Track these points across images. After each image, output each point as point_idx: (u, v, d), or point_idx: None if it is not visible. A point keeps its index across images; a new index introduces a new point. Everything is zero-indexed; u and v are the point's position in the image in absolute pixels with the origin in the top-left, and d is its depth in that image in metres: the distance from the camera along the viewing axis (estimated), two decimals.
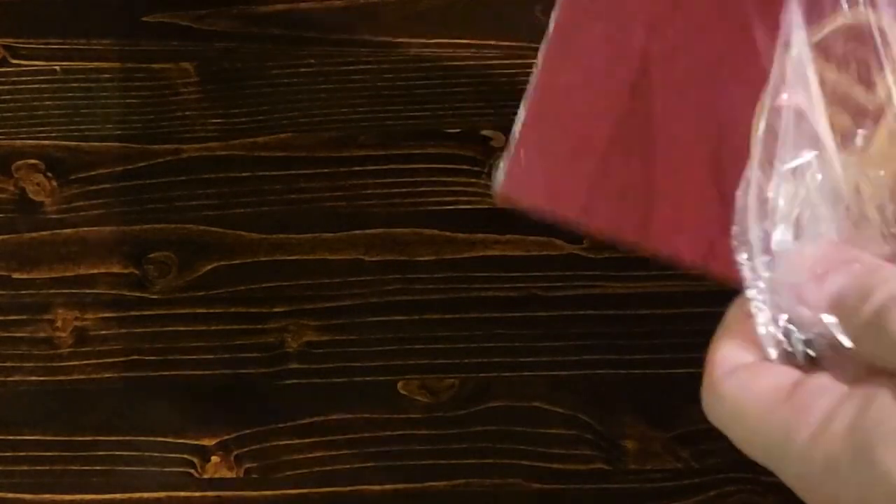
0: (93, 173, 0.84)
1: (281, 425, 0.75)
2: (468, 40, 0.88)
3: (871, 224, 0.46)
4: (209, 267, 0.80)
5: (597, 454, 0.74)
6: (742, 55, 0.49)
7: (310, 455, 0.74)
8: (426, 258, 0.79)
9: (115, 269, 0.80)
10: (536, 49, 0.88)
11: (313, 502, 0.73)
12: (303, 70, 0.87)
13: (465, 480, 0.73)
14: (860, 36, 0.47)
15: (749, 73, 0.49)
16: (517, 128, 0.56)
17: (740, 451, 0.74)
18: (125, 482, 0.74)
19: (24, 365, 0.77)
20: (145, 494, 0.74)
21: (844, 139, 0.47)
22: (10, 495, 0.74)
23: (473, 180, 0.82)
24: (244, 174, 0.83)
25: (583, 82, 0.54)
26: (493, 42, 0.88)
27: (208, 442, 0.75)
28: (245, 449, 0.75)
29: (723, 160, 0.50)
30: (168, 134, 0.85)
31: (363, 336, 0.77)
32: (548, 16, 0.90)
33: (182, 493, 0.74)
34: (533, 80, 0.56)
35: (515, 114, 0.81)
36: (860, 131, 0.47)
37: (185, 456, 0.75)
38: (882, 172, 0.46)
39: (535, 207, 0.56)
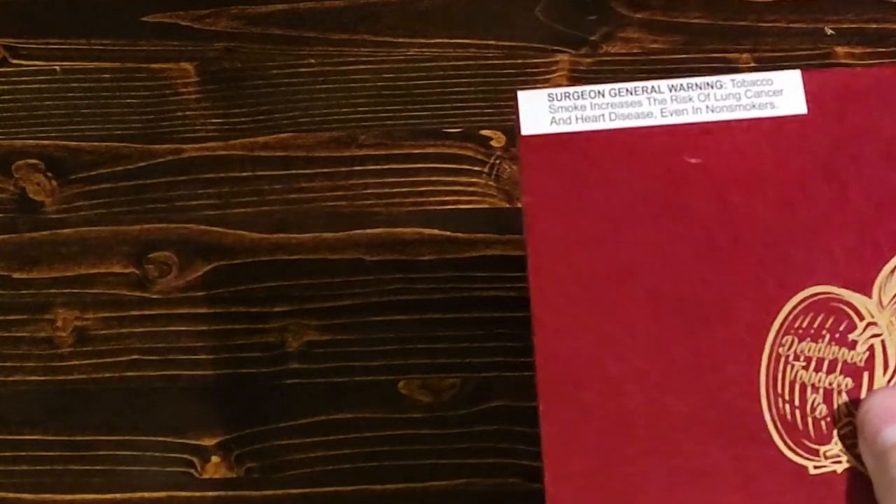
0: (93, 173, 0.84)
1: (281, 425, 0.75)
2: (468, 40, 0.88)
3: None
4: (209, 267, 0.80)
5: None
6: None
7: (310, 455, 0.74)
8: (427, 258, 0.79)
9: (115, 269, 0.80)
10: (536, 49, 0.88)
11: (314, 502, 0.73)
12: (303, 70, 0.87)
13: (467, 480, 0.73)
14: (825, 305, 0.55)
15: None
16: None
17: None
18: (125, 482, 0.74)
19: (24, 365, 0.77)
20: (145, 494, 0.74)
21: (849, 397, 0.54)
22: (10, 495, 0.74)
23: (474, 180, 0.82)
24: (244, 174, 0.83)
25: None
26: (493, 42, 0.88)
27: (208, 442, 0.75)
28: (245, 449, 0.75)
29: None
30: (168, 134, 0.85)
31: (364, 336, 0.77)
32: (548, 16, 0.90)
33: (182, 493, 0.74)
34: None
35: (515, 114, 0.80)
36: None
37: (185, 456, 0.75)
38: None
39: None
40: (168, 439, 0.75)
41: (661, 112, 0.60)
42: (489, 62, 0.87)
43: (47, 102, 0.86)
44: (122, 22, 0.89)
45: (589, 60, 0.87)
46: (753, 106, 0.60)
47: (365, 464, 0.74)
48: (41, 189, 0.83)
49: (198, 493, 0.74)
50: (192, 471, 0.74)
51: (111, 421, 0.76)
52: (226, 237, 0.81)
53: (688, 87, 0.60)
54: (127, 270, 0.80)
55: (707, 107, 0.60)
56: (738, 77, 0.61)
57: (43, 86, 0.87)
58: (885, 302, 0.55)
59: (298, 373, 0.77)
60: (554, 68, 0.87)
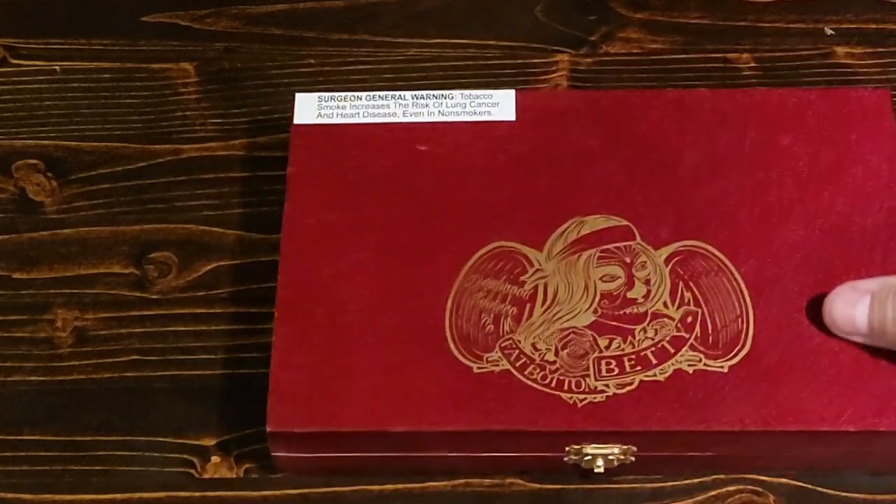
0: (93, 173, 0.84)
1: None
2: (468, 40, 0.88)
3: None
4: (209, 267, 0.80)
5: None
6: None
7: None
8: None
9: (115, 269, 0.80)
10: (536, 49, 0.88)
11: (313, 502, 0.73)
12: (303, 70, 0.87)
13: (465, 480, 0.73)
14: (506, 255, 0.74)
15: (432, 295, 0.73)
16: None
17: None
18: (125, 482, 0.74)
19: (24, 365, 0.77)
20: (145, 494, 0.74)
21: (513, 320, 0.72)
22: (10, 495, 0.74)
23: None
24: (244, 174, 0.83)
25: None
26: (493, 42, 0.88)
27: (208, 442, 0.75)
28: (244, 449, 0.75)
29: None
30: (168, 134, 0.85)
31: None
32: (548, 16, 0.90)
33: (182, 493, 0.74)
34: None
35: None
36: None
37: (185, 456, 0.75)
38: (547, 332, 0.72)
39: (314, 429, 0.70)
40: (168, 439, 0.75)
41: (404, 113, 0.79)
42: (489, 62, 0.87)
43: (47, 102, 0.86)
44: (122, 22, 0.89)
45: (589, 60, 0.87)
46: (475, 112, 0.79)
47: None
48: (41, 189, 0.83)
49: (197, 493, 0.74)
50: (191, 471, 0.74)
51: (111, 421, 0.76)
52: (226, 237, 0.81)
53: (426, 97, 0.79)
54: (127, 270, 0.80)
55: (439, 111, 0.79)
56: (466, 92, 0.79)
57: (43, 86, 0.87)
58: (552, 255, 0.74)
59: None
60: (554, 68, 0.87)
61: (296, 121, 0.79)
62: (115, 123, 0.86)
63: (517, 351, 0.71)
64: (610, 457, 0.71)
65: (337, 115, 0.79)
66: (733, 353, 0.71)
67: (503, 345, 0.72)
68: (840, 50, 0.87)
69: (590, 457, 0.71)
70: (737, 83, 0.85)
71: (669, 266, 0.73)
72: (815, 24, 0.88)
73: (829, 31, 0.88)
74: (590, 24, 0.89)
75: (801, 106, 0.78)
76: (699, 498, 0.73)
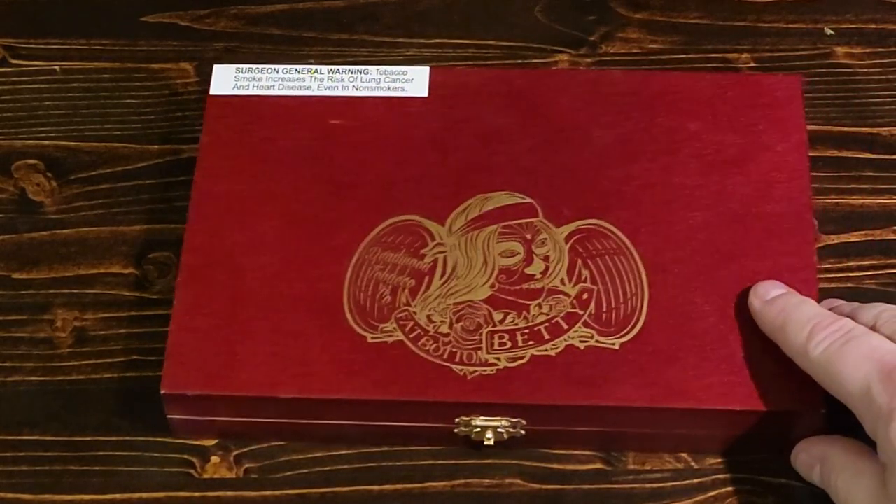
0: (93, 173, 0.84)
1: None
2: (468, 40, 0.88)
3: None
4: None
5: (597, 454, 0.74)
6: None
7: (309, 455, 0.74)
8: None
9: (115, 269, 0.80)
10: (536, 49, 0.88)
11: (313, 502, 0.73)
12: None
13: (465, 480, 0.74)
14: (408, 228, 0.75)
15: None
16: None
17: (740, 452, 0.74)
18: (125, 482, 0.74)
19: (24, 365, 0.77)
20: (145, 494, 0.74)
21: (410, 292, 0.74)
22: (10, 495, 0.74)
23: None
24: None
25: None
26: (492, 42, 0.88)
27: (208, 442, 0.75)
28: (244, 449, 0.75)
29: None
30: (168, 134, 0.85)
31: None
32: (548, 16, 0.90)
33: (182, 493, 0.74)
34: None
35: None
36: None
37: (185, 456, 0.75)
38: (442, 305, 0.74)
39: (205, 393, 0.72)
40: (167, 440, 0.75)
41: (319, 87, 0.80)
42: (489, 62, 0.87)
43: (47, 102, 0.86)
44: (122, 22, 0.89)
45: (588, 60, 0.87)
46: (389, 88, 0.80)
47: (363, 464, 0.74)
48: (41, 189, 0.83)
49: (197, 493, 0.74)
50: (191, 471, 0.74)
51: (110, 421, 0.76)
52: None
53: (341, 71, 0.81)
54: (126, 271, 0.80)
55: (354, 86, 0.80)
56: (382, 67, 0.81)
57: (43, 86, 0.87)
58: (453, 230, 0.75)
59: None
60: (553, 68, 0.87)
61: (212, 92, 0.80)
62: (115, 123, 0.86)
63: (412, 322, 0.73)
64: (499, 429, 0.72)
65: (253, 86, 0.80)
66: (626, 330, 0.72)
67: (399, 316, 0.73)
68: (840, 50, 0.87)
69: (479, 429, 0.72)
70: None
71: (569, 244, 0.75)
72: (815, 24, 0.88)
73: (829, 31, 0.88)
74: (590, 24, 0.89)
75: (713, 91, 0.79)
76: (698, 498, 0.73)
